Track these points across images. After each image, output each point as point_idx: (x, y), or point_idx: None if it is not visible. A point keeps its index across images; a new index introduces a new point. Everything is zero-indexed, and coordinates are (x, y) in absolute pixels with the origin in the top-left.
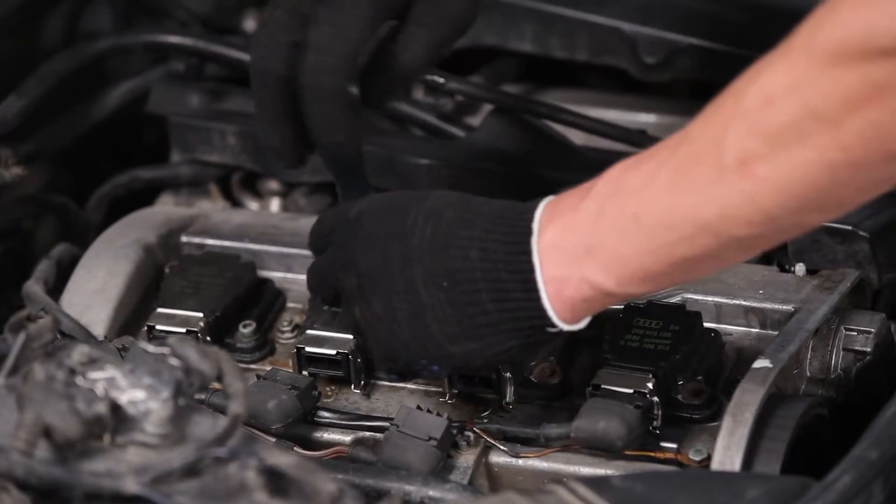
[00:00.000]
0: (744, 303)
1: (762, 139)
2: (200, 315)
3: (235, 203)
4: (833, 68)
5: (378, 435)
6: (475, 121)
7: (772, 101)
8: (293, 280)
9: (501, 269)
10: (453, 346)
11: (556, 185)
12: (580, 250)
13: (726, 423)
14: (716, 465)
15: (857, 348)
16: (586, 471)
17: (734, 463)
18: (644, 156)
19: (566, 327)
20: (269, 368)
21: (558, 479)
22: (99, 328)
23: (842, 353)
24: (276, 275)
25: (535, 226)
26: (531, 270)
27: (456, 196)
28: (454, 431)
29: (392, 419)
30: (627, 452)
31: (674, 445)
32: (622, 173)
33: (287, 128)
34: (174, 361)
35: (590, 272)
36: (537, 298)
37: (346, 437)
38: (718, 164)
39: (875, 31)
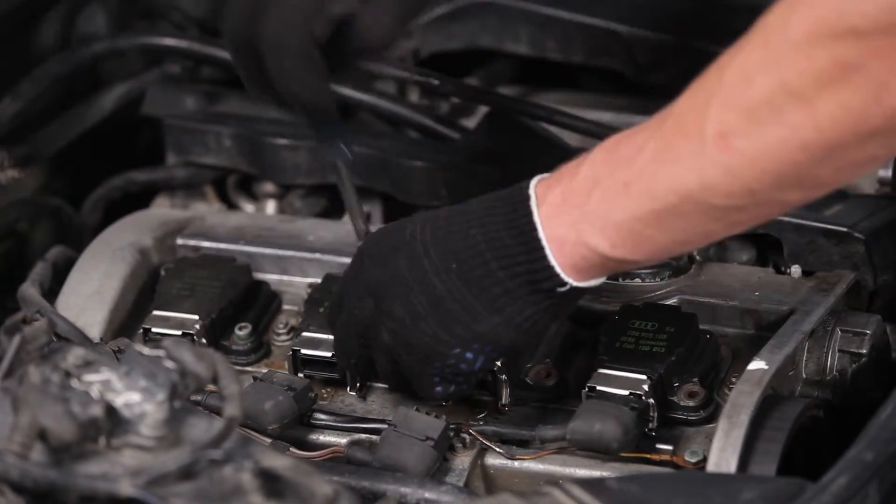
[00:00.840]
0: (739, 304)
1: (740, 114)
2: (196, 317)
3: (231, 205)
4: (806, 47)
5: (374, 437)
6: (470, 123)
7: (749, 78)
8: (289, 282)
9: (504, 236)
10: (478, 323)
11: None
12: (577, 213)
13: (722, 424)
14: (711, 466)
15: (852, 350)
16: (582, 472)
17: (730, 464)
18: (638, 127)
19: (577, 284)
20: (264, 371)
21: (554, 480)
22: (94, 330)
23: (837, 354)
24: (271, 277)
25: (532, 192)
26: (533, 230)
27: (446, 207)
28: (451, 433)
29: (388, 421)
30: (623, 454)
31: (669, 447)
32: (615, 145)
33: (264, 83)
34: (170, 364)
35: (586, 234)
36: (543, 257)
37: (342, 440)
38: (699, 137)
39: (847, 11)
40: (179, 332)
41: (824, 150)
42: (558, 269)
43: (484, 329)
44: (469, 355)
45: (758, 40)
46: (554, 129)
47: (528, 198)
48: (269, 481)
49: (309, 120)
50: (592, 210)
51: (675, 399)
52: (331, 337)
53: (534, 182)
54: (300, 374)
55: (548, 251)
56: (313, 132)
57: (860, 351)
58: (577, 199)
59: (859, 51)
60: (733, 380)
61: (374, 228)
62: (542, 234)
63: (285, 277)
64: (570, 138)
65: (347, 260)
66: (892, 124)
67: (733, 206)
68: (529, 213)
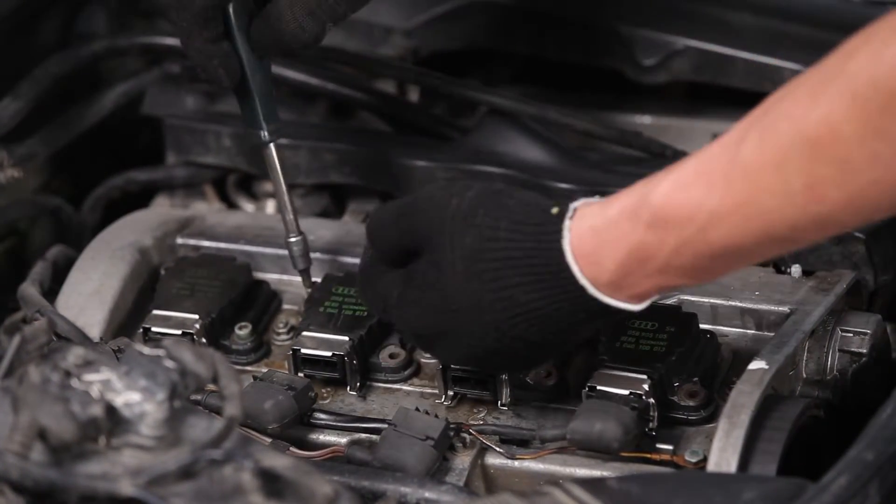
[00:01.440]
0: (740, 304)
1: (831, 166)
2: (196, 317)
3: (231, 205)
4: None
5: (374, 437)
6: (470, 123)
7: (838, 132)
8: (289, 282)
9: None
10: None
11: (550, 187)
12: (651, 272)
13: (722, 424)
14: (712, 466)
15: (852, 349)
16: (582, 472)
17: (730, 464)
18: (685, 177)
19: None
20: (264, 370)
21: (554, 480)
22: (94, 330)
23: (838, 354)
24: (271, 276)
25: (581, 280)
26: (607, 309)
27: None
28: (451, 433)
29: (388, 420)
30: (623, 454)
31: (670, 447)
32: (668, 200)
33: None
34: (170, 363)
35: (667, 283)
36: (617, 307)
37: (342, 439)
38: (785, 190)
39: None
40: (179, 332)
41: None
42: (635, 308)
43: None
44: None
45: (842, 92)
46: (554, 129)
47: (582, 289)
48: (270, 481)
49: (239, 102)
50: (670, 266)
51: (675, 399)
52: (332, 336)
53: (574, 266)
54: (300, 374)
55: (625, 306)
56: (242, 114)
57: (860, 351)
58: (643, 263)
59: None
60: (734, 379)
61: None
62: (615, 303)
63: (285, 277)
64: (570, 138)
65: (348, 259)
66: None
67: (820, 237)
68: (603, 303)
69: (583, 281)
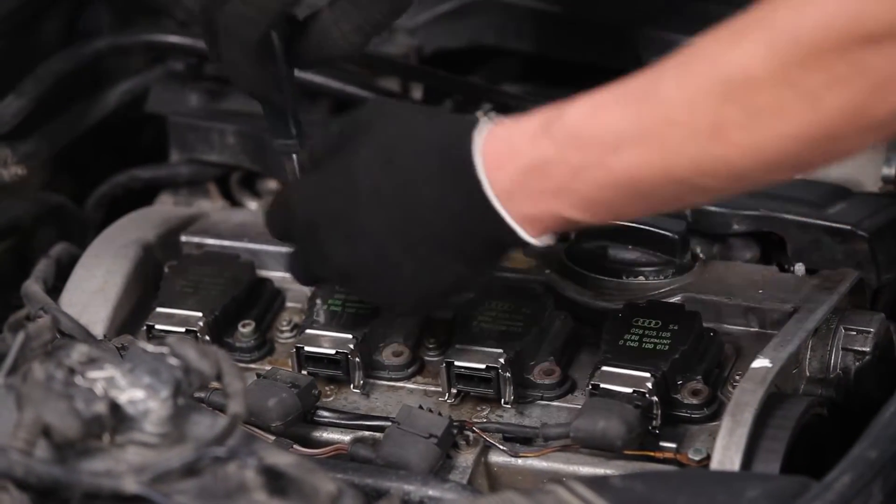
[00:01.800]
0: (743, 302)
1: (739, 109)
2: (200, 314)
3: (234, 202)
4: (818, 50)
5: (378, 434)
6: None
7: (752, 76)
8: (292, 279)
9: (466, 221)
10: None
11: None
12: (548, 193)
13: (725, 422)
14: (715, 464)
15: (856, 348)
16: (586, 470)
17: (733, 462)
18: (603, 102)
19: (540, 243)
20: (268, 368)
21: (558, 478)
22: (98, 327)
23: (841, 352)
24: (275, 274)
25: (482, 176)
26: (499, 220)
27: (390, 128)
28: (454, 431)
29: (391, 418)
30: (627, 452)
31: (673, 445)
32: (583, 120)
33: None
34: (173, 361)
35: (564, 211)
36: (513, 231)
37: (346, 437)
38: (693, 127)
39: (862, 16)
40: (183, 330)
41: (825, 142)
42: (528, 237)
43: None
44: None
45: (761, 38)
46: None
47: (479, 184)
48: (273, 478)
49: (265, 113)
50: (569, 190)
51: (678, 397)
52: (335, 334)
53: (479, 159)
54: (304, 372)
55: (517, 229)
56: (268, 126)
57: (864, 349)
58: (545, 180)
59: (871, 54)
60: (737, 378)
61: None
62: (507, 217)
63: (288, 275)
64: None
65: None
66: (892, 118)
67: (721, 188)
68: (492, 209)
69: (482, 176)
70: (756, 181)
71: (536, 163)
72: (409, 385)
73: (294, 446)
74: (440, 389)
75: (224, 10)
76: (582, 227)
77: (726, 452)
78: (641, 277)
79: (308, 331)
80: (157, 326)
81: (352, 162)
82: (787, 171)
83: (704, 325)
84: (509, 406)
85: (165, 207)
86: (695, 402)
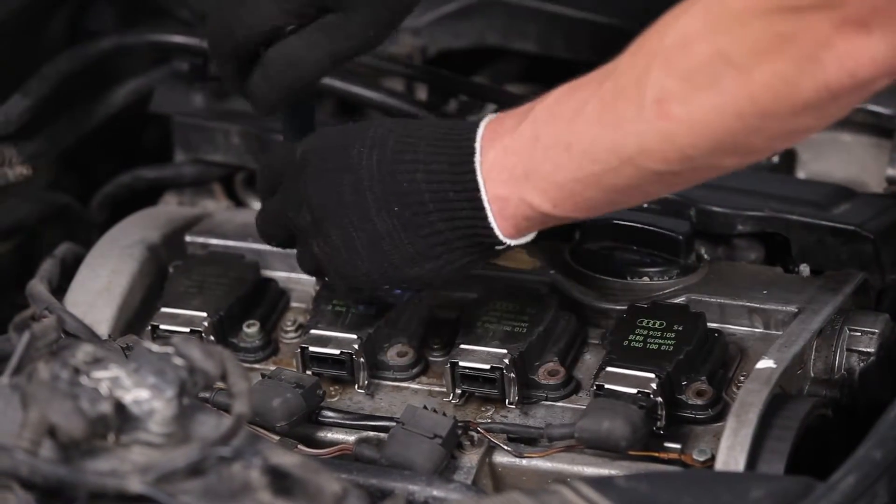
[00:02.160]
0: (748, 303)
1: (678, 80)
2: (204, 315)
3: (239, 203)
4: (744, 17)
5: (382, 435)
6: None
7: (688, 44)
8: (297, 280)
9: (448, 189)
10: (412, 268)
11: None
12: (519, 172)
13: (730, 423)
14: (720, 465)
15: (860, 349)
16: (590, 471)
17: (738, 463)
18: (578, 83)
19: (513, 243)
20: (273, 368)
21: (562, 479)
22: (103, 327)
23: (846, 353)
24: (279, 274)
25: (478, 146)
26: (476, 189)
27: (394, 121)
28: (459, 431)
29: (396, 419)
30: (631, 452)
31: (678, 446)
32: (557, 101)
33: (237, 80)
34: (178, 361)
35: (528, 194)
36: (485, 217)
37: (351, 437)
38: (639, 101)
39: None
40: (188, 330)
41: (759, 118)
42: (498, 231)
43: (416, 273)
44: (397, 291)
45: (699, 7)
46: None
47: (473, 151)
48: (278, 478)
49: (283, 122)
50: (534, 169)
51: (683, 397)
52: (340, 335)
53: (481, 131)
54: (308, 372)
55: (489, 212)
56: (284, 130)
57: (868, 350)
58: (518, 156)
59: (794, 24)
60: (741, 378)
61: None
62: (484, 195)
63: (293, 275)
64: None
65: None
66: (822, 97)
67: (670, 170)
68: (473, 171)
69: (477, 144)
70: (703, 164)
71: (514, 141)
72: (414, 385)
73: (299, 446)
74: (445, 390)
75: (279, 49)
76: (550, 222)
77: (731, 453)
78: (646, 278)
79: (313, 331)
80: (162, 326)
81: (347, 151)
82: (728, 152)
83: (709, 325)
84: (514, 406)
85: (170, 207)
86: (699, 402)
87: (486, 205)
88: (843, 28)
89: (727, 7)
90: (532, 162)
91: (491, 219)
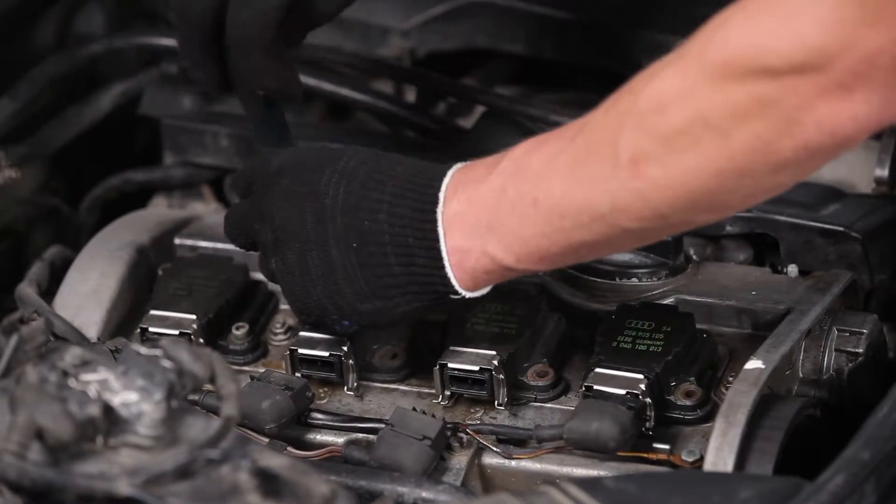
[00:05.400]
0: (736, 304)
1: (654, 141)
2: (193, 317)
3: (228, 205)
4: (723, 81)
5: (371, 436)
6: (467, 123)
7: (665, 106)
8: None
9: (409, 235)
10: (363, 303)
11: None
12: (482, 225)
13: (719, 423)
14: (708, 465)
15: (849, 349)
16: (579, 472)
17: (727, 464)
18: (547, 137)
19: (468, 295)
20: (262, 370)
21: (551, 480)
22: (92, 330)
23: (834, 353)
24: None
25: (442, 195)
26: (436, 239)
27: (369, 154)
28: (448, 433)
29: (385, 420)
30: (620, 453)
31: (666, 446)
32: (525, 154)
33: (213, 67)
34: (167, 363)
35: (491, 247)
36: (442, 267)
37: (340, 439)
38: (613, 160)
39: (763, 50)
40: (177, 332)
41: (737, 178)
42: (455, 282)
43: (367, 309)
44: (346, 322)
45: (674, 69)
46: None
47: (436, 201)
48: (267, 480)
49: (248, 107)
50: (499, 223)
51: (672, 398)
52: (329, 337)
53: (447, 179)
54: (297, 374)
55: (447, 262)
56: (249, 118)
57: (857, 350)
58: (483, 208)
59: (773, 87)
60: (730, 379)
61: None
62: (443, 246)
63: None
64: None
65: None
66: (801, 156)
67: (642, 228)
68: (434, 221)
69: (441, 194)
70: (677, 222)
71: (480, 193)
72: (403, 387)
73: (288, 448)
74: (434, 391)
75: (231, 19)
76: (510, 275)
77: (719, 453)
78: (635, 279)
79: (302, 333)
80: (151, 329)
81: (312, 180)
82: (703, 210)
83: (697, 326)
84: (503, 408)
85: (159, 210)
86: (688, 403)
87: (445, 256)
88: (825, 92)
89: (705, 71)
90: (497, 215)
91: (448, 270)
